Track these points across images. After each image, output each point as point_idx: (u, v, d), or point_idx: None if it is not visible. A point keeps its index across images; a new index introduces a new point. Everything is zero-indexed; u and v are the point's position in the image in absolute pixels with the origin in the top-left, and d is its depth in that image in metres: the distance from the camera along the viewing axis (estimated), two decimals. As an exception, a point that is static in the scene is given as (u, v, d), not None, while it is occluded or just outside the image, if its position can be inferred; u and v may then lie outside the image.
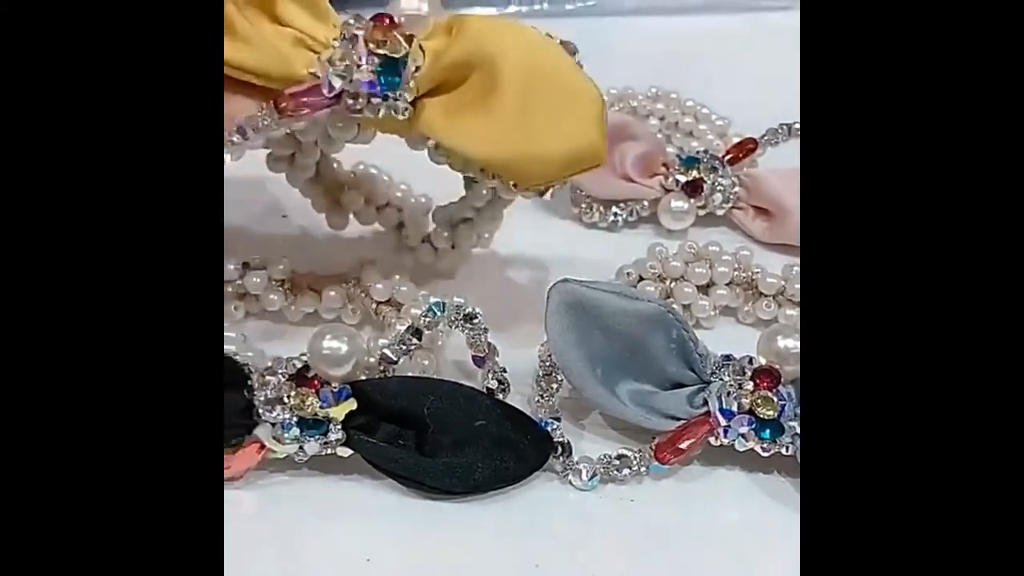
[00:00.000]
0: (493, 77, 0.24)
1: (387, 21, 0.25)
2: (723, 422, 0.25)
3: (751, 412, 0.25)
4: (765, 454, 0.25)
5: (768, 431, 0.25)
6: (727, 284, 0.30)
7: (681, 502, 0.25)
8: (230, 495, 0.23)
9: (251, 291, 0.29)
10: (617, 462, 0.25)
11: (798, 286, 0.30)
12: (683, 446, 0.25)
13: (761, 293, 0.30)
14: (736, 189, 0.34)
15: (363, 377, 0.25)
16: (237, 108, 0.25)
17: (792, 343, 0.25)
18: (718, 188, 0.34)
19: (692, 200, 0.34)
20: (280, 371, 0.24)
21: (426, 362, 0.27)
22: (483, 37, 0.24)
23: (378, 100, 0.24)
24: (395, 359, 0.26)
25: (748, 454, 0.25)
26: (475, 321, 0.26)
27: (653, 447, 0.25)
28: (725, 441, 0.25)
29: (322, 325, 0.26)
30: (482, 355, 0.26)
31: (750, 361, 0.25)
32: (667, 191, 0.35)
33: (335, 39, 0.25)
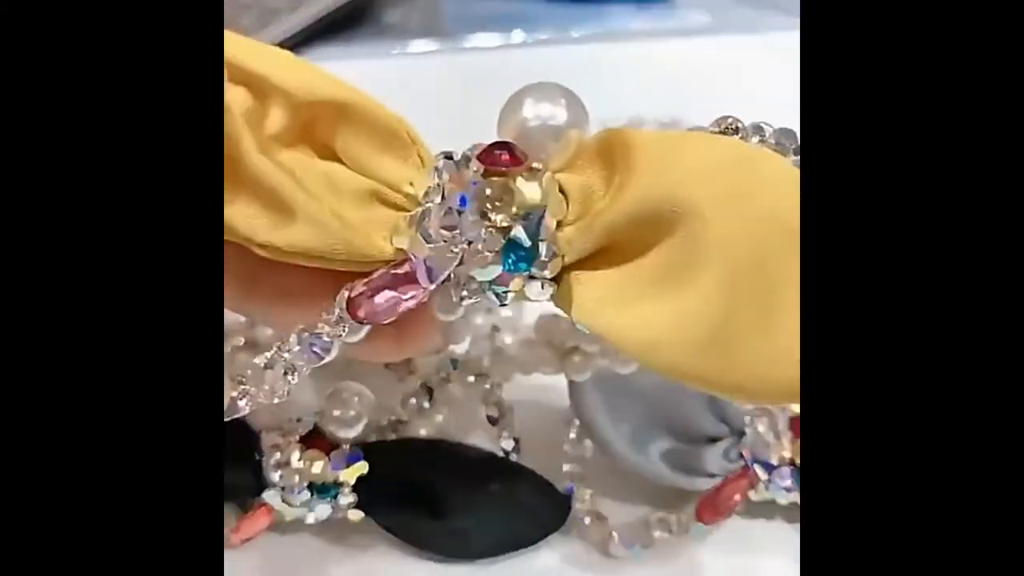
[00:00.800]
0: (698, 251, 0.15)
1: (506, 156, 0.16)
2: (763, 476, 0.23)
3: (792, 463, 0.23)
4: (809, 505, 0.24)
5: (810, 481, 0.23)
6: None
7: (725, 559, 0.24)
8: (238, 556, 0.22)
9: (261, 341, 0.28)
10: (657, 526, 0.24)
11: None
12: (724, 504, 0.24)
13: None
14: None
15: (374, 438, 0.25)
16: (280, 308, 0.17)
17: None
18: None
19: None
20: (290, 434, 0.24)
21: (439, 418, 0.26)
22: (670, 182, 0.15)
23: (501, 288, 0.16)
24: (407, 419, 0.25)
25: (789, 506, 0.24)
26: (489, 379, 0.25)
27: (693, 507, 0.24)
28: (766, 495, 0.24)
29: (334, 386, 0.24)
30: (496, 415, 0.25)
31: (783, 409, 0.24)
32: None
33: (427, 192, 0.16)
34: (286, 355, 0.17)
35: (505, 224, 0.15)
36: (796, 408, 0.24)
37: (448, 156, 0.16)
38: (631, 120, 0.40)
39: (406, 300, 0.16)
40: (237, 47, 0.16)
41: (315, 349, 0.17)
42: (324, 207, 0.16)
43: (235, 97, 0.16)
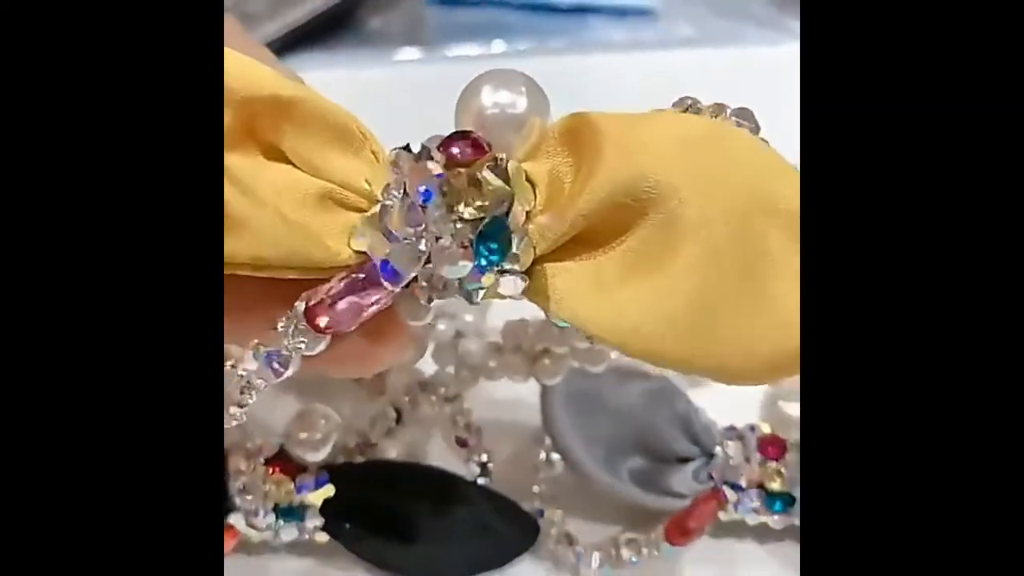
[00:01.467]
0: (672, 233, 0.14)
1: (468, 146, 0.15)
2: (732, 497, 0.23)
3: (760, 485, 0.23)
4: (777, 527, 0.24)
5: (780, 503, 0.23)
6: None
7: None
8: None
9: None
10: (627, 546, 0.24)
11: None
12: (694, 525, 0.24)
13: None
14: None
15: (342, 459, 0.24)
16: (244, 328, 0.16)
17: (795, 408, 0.24)
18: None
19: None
20: (255, 456, 0.24)
21: (408, 441, 0.26)
22: (640, 164, 0.15)
23: (473, 285, 0.15)
24: (374, 442, 0.25)
25: (759, 526, 0.24)
26: (458, 400, 0.25)
27: (662, 528, 0.24)
28: (736, 516, 0.24)
29: (300, 408, 0.24)
30: (465, 437, 0.25)
31: (752, 429, 0.24)
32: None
33: (385, 188, 0.15)
34: (241, 372, 0.16)
35: (473, 217, 0.14)
36: (766, 429, 0.24)
37: (406, 149, 0.15)
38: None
39: (369, 306, 0.15)
40: None
41: (274, 364, 0.16)
42: (271, 213, 0.15)
43: None
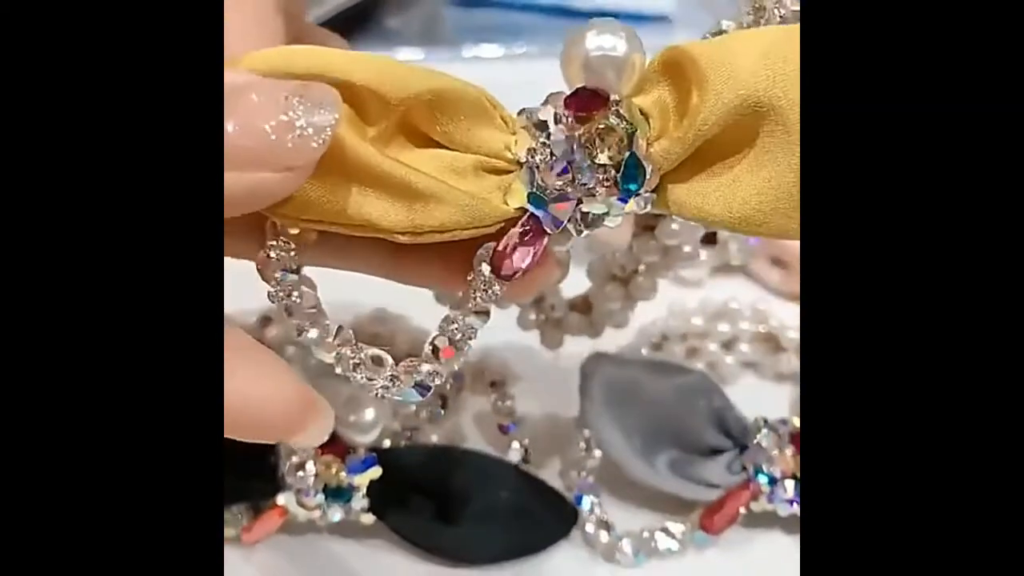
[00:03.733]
0: (771, 138, 0.17)
1: (590, 99, 0.17)
2: (766, 488, 0.24)
3: (794, 476, 0.24)
4: (808, 517, 0.24)
5: (811, 495, 0.24)
6: (749, 340, 0.30)
7: (727, 568, 0.25)
8: (249, 556, 0.22)
9: (272, 343, 0.28)
10: (661, 534, 0.25)
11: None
12: (726, 514, 0.24)
13: (782, 347, 0.30)
14: (752, 239, 0.34)
15: (388, 443, 0.25)
16: (427, 271, 0.19)
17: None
18: (734, 238, 0.34)
19: (708, 250, 0.34)
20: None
21: (451, 427, 0.27)
22: (750, 81, 0.17)
23: (617, 214, 0.18)
24: (419, 426, 0.25)
25: (788, 518, 0.25)
26: (501, 388, 0.26)
27: (697, 517, 0.25)
28: (768, 507, 0.25)
29: (349, 392, 0.25)
30: (507, 424, 0.26)
31: (784, 423, 0.25)
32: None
33: (527, 149, 0.18)
34: (455, 326, 0.18)
35: (612, 160, 0.17)
36: (797, 423, 0.25)
37: (536, 118, 0.18)
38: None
39: (539, 250, 0.18)
40: (326, 60, 0.17)
41: (476, 313, 0.18)
42: (446, 187, 0.17)
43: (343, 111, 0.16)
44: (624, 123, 0.17)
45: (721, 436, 0.25)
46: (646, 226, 0.24)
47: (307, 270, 0.19)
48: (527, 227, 0.18)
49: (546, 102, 0.17)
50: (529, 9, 0.54)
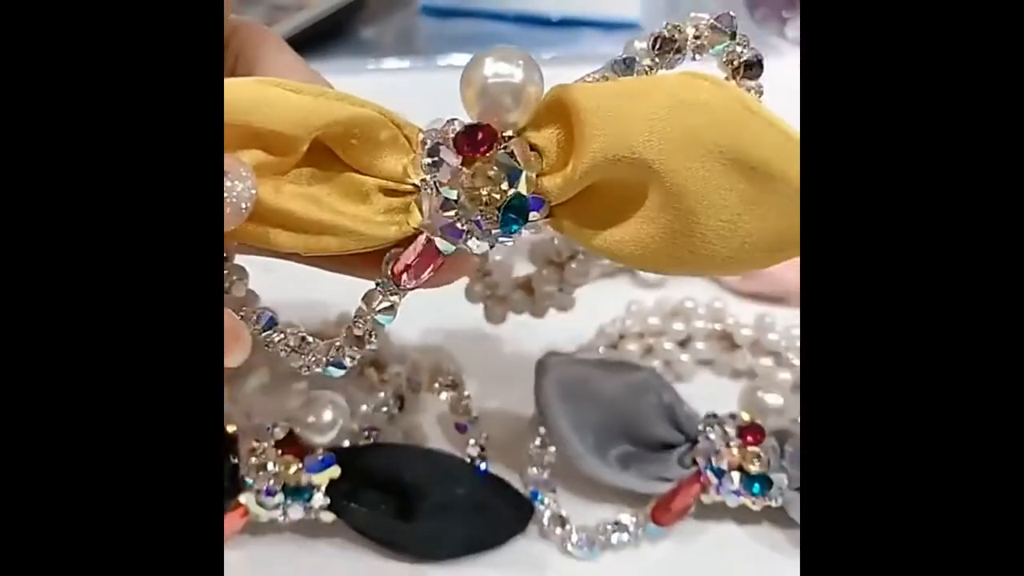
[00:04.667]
0: (655, 185, 0.18)
1: (480, 140, 0.18)
2: (714, 480, 0.25)
3: (740, 468, 0.25)
4: (755, 508, 0.25)
5: (758, 486, 0.25)
6: (704, 338, 0.31)
7: (679, 557, 0.25)
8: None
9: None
10: (615, 528, 0.25)
11: (771, 336, 0.30)
12: (678, 507, 0.25)
13: (736, 345, 0.31)
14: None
15: (347, 443, 0.26)
16: (372, 272, 0.20)
17: (772, 397, 0.26)
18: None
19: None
20: (267, 438, 0.25)
21: (409, 426, 0.27)
22: (625, 135, 0.18)
23: (506, 239, 0.19)
24: (378, 426, 0.26)
25: (738, 508, 0.25)
26: (458, 388, 0.26)
27: (649, 510, 0.25)
28: (717, 498, 0.25)
29: (309, 394, 0.25)
30: (464, 422, 0.26)
31: (733, 417, 0.26)
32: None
33: (423, 181, 0.19)
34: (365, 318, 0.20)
35: (496, 198, 0.18)
36: (746, 417, 0.26)
37: (432, 149, 0.19)
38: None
39: (434, 264, 0.20)
40: (235, 104, 0.18)
41: (380, 311, 0.20)
42: (347, 211, 0.19)
43: (250, 157, 0.18)
44: (511, 161, 0.18)
45: (672, 431, 0.26)
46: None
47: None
48: (422, 247, 0.19)
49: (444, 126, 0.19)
50: (501, 19, 0.55)
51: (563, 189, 0.19)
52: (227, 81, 0.18)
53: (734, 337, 0.31)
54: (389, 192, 0.19)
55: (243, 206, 0.17)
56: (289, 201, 0.19)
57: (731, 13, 0.19)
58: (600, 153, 0.18)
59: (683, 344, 0.31)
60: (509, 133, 0.18)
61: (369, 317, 0.20)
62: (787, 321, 0.31)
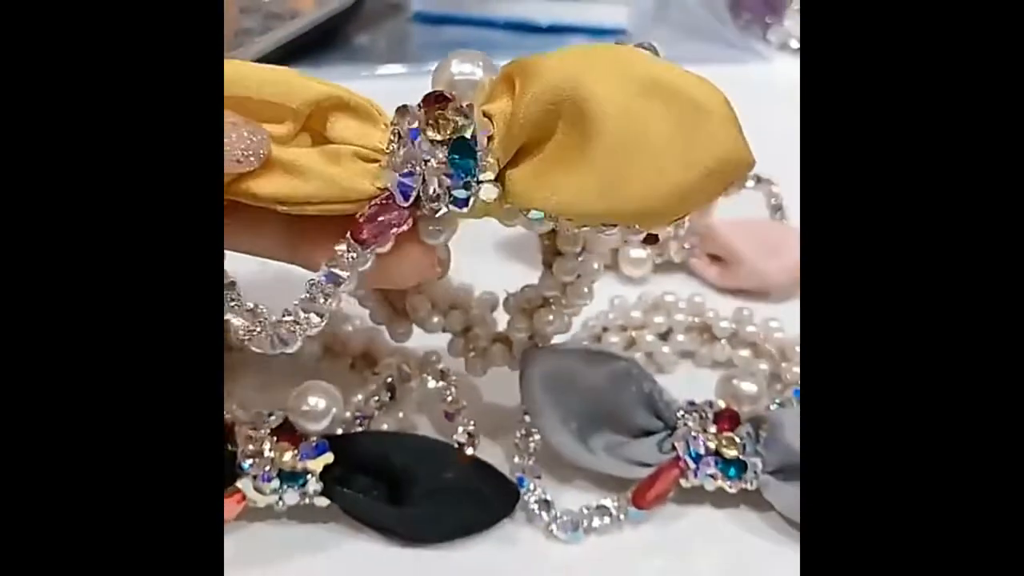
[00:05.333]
0: (585, 122, 0.20)
1: (437, 99, 0.21)
2: (692, 465, 0.26)
3: (717, 453, 0.26)
4: (732, 491, 0.26)
5: (733, 469, 0.26)
6: (684, 330, 0.32)
7: (660, 540, 0.27)
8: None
9: (234, 345, 0.30)
10: (597, 512, 0.26)
11: (749, 328, 0.32)
12: (658, 491, 0.26)
13: (715, 337, 0.32)
14: (690, 238, 0.36)
15: (340, 431, 0.27)
16: (317, 255, 0.22)
17: (747, 385, 0.27)
18: (674, 237, 0.36)
19: (649, 249, 0.36)
20: (262, 426, 0.26)
21: (400, 415, 0.28)
22: (555, 79, 0.20)
23: (460, 191, 0.21)
24: (370, 414, 0.27)
25: (716, 492, 0.27)
26: (446, 378, 0.27)
27: (630, 495, 0.26)
28: (695, 482, 0.26)
29: (303, 383, 0.26)
30: (452, 411, 0.27)
31: (710, 405, 0.27)
32: (625, 241, 0.36)
33: (389, 141, 0.21)
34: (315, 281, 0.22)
35: (447, 137, 0.21)
36: (722, 404, 0.27)
37: (402, 108, 0.21)
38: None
39: (393, 221, 0.21)
40: (242, 82, 0.21)
41: (335, 271, 0.22)
42: (325, 169, 0.21)
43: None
44: (462, 118, 0.21)
45: (652, 418, 0.27)
46: (547, 263, 0.27)
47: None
48: (383, 199, 0.21)
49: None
50: (492, 25, 0.56)
51: (507, 134, 0.21)
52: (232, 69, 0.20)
53: (713, 329, 0.32)
54: (362, 157, 0.22)
55: (261, 152, 0.20)
56: (274, 151, 0.21)
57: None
58: (539, 94, 0.20)
59: (664, 337, 0.32)
60: (467, 103, 0.21)
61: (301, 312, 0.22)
62: (764, 314, 0.32)
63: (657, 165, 0.20)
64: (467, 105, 0.20)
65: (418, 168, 0.21)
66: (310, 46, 0.52)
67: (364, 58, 0.53)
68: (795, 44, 0.53)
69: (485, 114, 0.21)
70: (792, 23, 0.53)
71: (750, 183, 0.40)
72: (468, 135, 0.20)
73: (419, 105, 0.21)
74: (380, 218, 0.21)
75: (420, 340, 0.29)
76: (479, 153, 0.21)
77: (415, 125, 0.21)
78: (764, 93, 0.50)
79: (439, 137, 0.20)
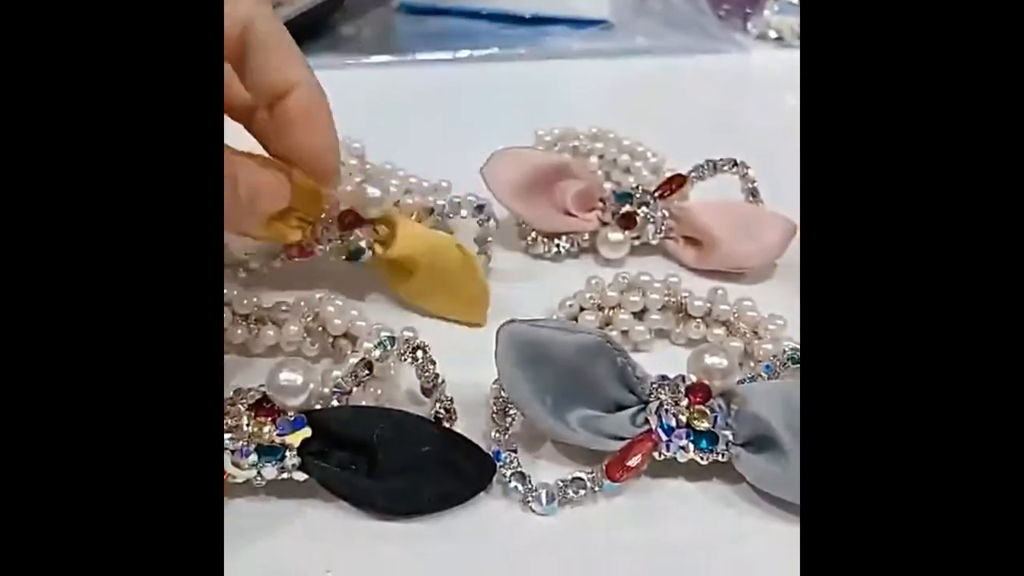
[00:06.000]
0: (413, 267, 0.33)
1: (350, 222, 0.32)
2: (664, 437, 0.27)
3: (688, 425, 0.27)
4: (704, 463, 0.27)
5: (704, 441, 0.27)
6: (659, 309, 0.33)
7: (633, 511, 0.27)
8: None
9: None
10: (572, 484, 0.27)
11: (722, 307, 0.32)
12: (631, 463, 0.27)
13: (690, 316, 0.33)
14: (667, 221, 0.37)
15: (318, 406, 0.27)
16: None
17: (717, 360, 0.27)
18: (650, 220, 0.37)
19: (627, 232, 0.37)
20: (240, 401, 0.26)
21: (379, 392, 0.29)
22: (407, 243, 0.32)
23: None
24: (348, 389, 0.27)
25: (688, 464, 0.27)
26: (423, 353, 0.28)
27: (604, 467, 0.27)
28: (668, 454, 0.27)
29: (280, 359, 0.27)
30: (429, 386, 0.28)
31: (683, 379, 0.28)
32: (604, 224, 0.37)
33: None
34: None
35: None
36: (693, 378, 0.28)
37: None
38: (564, 130, 0.44)
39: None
40: None
41: None
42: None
43: None
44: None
45: (625, 392, 0.28)
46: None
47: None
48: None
49: None
50: (476, 16, 0.56)
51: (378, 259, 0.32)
52: None
53: (688, 308, 0.33)
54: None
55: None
56: None
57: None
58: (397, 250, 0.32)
59: (639, 315, 0.33)
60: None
61: None
62: (738, 294, 0.33)
63: (438, 300, 0.33)
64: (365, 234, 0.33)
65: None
66: (295, 36, 0.52)
67: (349, 48, 0.54)
68: (774, 35, 0.54)
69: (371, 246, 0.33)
70: (771, 13, 0.54)
71: (727, 167, 0.41)
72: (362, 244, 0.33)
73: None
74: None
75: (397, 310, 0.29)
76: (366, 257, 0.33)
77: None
78: (743, 82, 0.51)
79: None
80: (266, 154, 0.31)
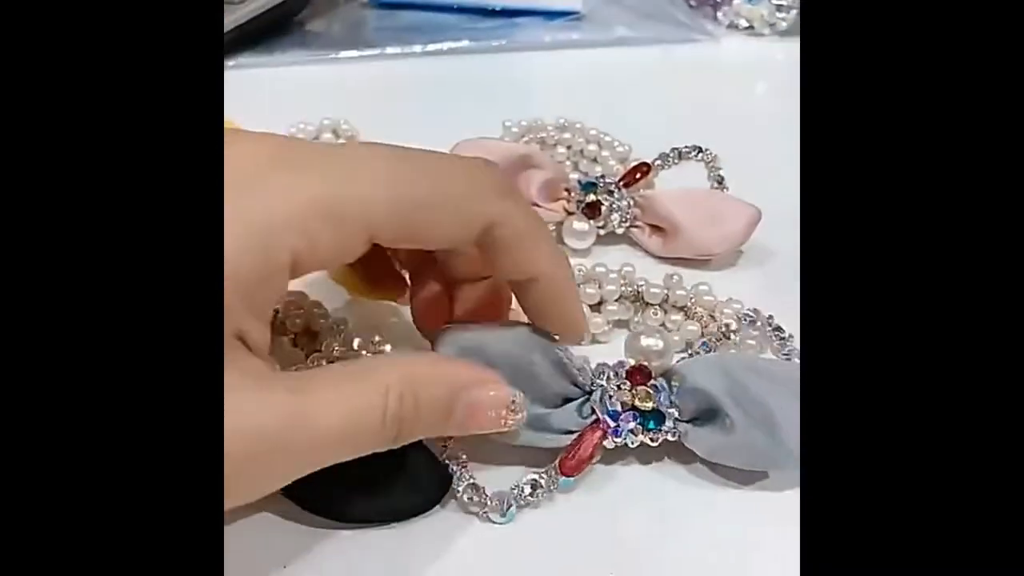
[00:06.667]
0: None
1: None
2: (611, 423, 0.26)
3: (634, 407, 0.26)
4: (654, 444, 0.26)
5: (652, 421, 0.26)
6: (616, 300, 0.32)
7: (592, 503, 0.27)
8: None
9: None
10: (528, 488, 0.26)
11: (679, 292, 0.32)
12: (582, 455, 0.26)
13: (647, 303, 0.32)
14: (632, 209, 0.36)
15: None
16: None
17: (653, 341, 0.27)
18: (615, 209, 0.36)
19: (592, 221, 0.36)
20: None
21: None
22: None
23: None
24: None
25: (640, 449, 0.27)
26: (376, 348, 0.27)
27: (557, 464, 0.26)
28: (618, 440, 0.26)
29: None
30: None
31: (621, 364, 0.27)
32: (569, 214, 0.37)
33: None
34: None
35: None
36: (632, 362, 0.27)
37: None
38: (531, 121, 0.43)
39: None
40: None
41: None
42: None
43: None
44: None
45: (568, 384, 0.27)
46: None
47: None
48: None
49: None
50: (447, 9, 0.56)
51: None
52: None
53: (644, 296, 0.32)
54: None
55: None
56: None
57: None
58: None
59: (597, 308, 0.33)
60: None
61: None
62: (694, 279, 0.33)
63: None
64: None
65: None
66: (264, 31, 0.52)
67: (319, 44, 0.53)
68: (744, 24, 0.54)
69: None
70: (741, 2, 0.54)
71: (692, 155, 0.40)
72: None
73: None
74: None
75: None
76: None
77: None
78: (713, 71, 0.51)
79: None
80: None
